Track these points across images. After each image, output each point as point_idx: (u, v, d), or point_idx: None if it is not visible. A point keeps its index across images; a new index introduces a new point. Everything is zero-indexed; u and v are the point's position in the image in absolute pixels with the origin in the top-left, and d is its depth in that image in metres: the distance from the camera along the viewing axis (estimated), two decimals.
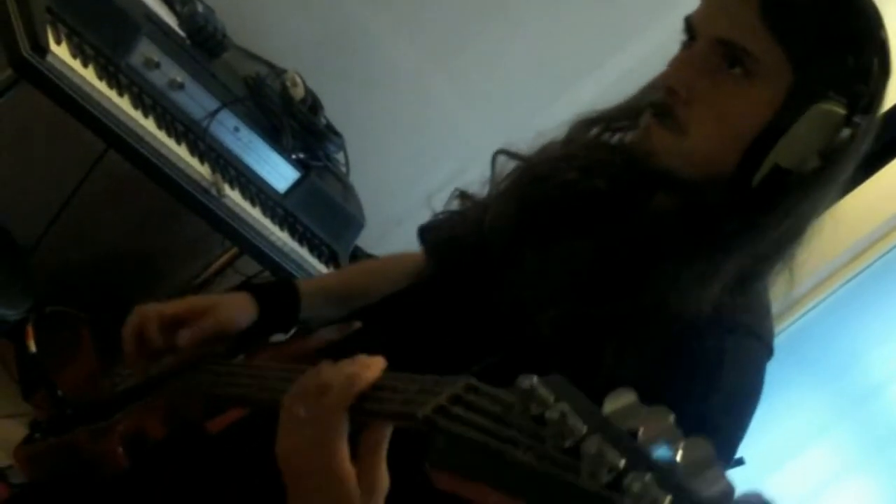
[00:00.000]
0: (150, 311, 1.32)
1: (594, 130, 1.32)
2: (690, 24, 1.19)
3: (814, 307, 3.08)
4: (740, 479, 1.12)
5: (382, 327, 1.32)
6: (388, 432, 0.89)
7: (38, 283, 2.42)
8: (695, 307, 1.09)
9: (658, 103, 1.18)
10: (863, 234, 3.05)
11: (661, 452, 0.62)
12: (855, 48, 1.11)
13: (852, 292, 3.11)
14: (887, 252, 3.10)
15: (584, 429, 0.63)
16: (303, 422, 0.89)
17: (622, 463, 0.60)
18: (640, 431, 0.63)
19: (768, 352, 1.19)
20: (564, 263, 1.18)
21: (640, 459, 0.61)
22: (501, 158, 1.39)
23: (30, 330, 1.46)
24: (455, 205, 1.46)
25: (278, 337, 1.44)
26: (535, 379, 0.68)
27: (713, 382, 1.10)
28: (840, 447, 3.14)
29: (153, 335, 1.30)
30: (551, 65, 2.97)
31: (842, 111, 1.10)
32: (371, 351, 0.95)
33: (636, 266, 1.13)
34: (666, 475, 0.60)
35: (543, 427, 0.65)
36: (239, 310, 1.36)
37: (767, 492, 0.65)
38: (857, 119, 1.11)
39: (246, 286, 1.40)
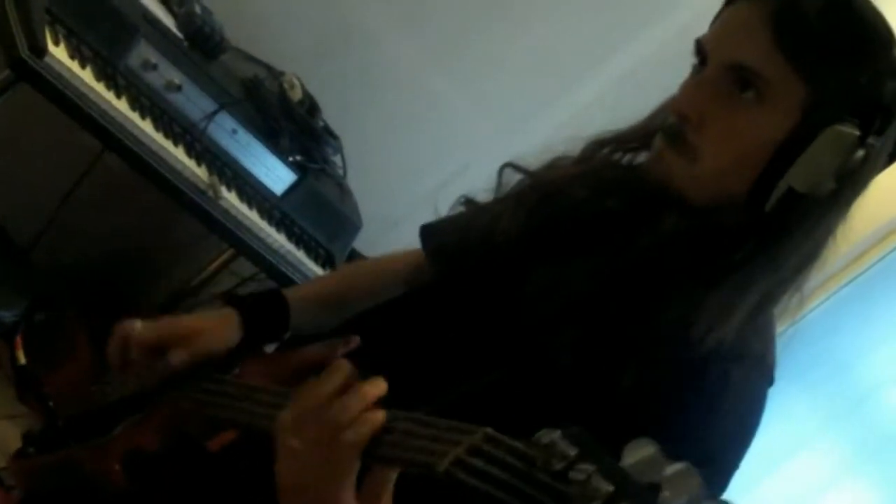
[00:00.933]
0: (133, 335, 1.29)
1: (605, 150, 1.31)
2: (701, 48, 1.18)
3: (810, 311, 3.09)
4: (734, 483, 1.13)
5: (383, 340, 1.31)
6: (395, 475, 0.90)
7: (35, 283, 2.42)
8: (716, 336, 1.08)
9: (669, 128, 1.17)
10: (859, 238, 3.06)
11: None
12: (869, 70, 1.10)
13: (848, 297, 3.12)
14: (884, 257, 3.10)
15: (610, 490, 0.63)
16: (305, 456, 0.90)
17: None
18: (664, 491, 0.62)
19: (770, 380, 1.19)
20: (578, 281, 1.17)
21: None
22: (507, 171, 1.39)
23: (18, 341, 1.45)
24: (460, 211, 1.45)
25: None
26: (557, 433, 0.68)
27: (715, 410, 1.11)
28: (834, 451, 3.15)
29: (136, 358, 1.29)
30: (551, 66, 2.96)
31: (856, 132, 1.09)
32: (371, 367, 0.95)
33: (653, 287, 1.13)
34: None
35: (567, 485, 0.64)
36: (225, 335, 1.33)
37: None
38: (871, 140, 1.10)
39: (232, 300, 1.38)
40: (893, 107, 1.11)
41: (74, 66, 2.06)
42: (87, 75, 2.09)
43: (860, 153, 1.10)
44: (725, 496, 1.10)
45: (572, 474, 0.64)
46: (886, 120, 1.11)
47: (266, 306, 1.41)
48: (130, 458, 1.23)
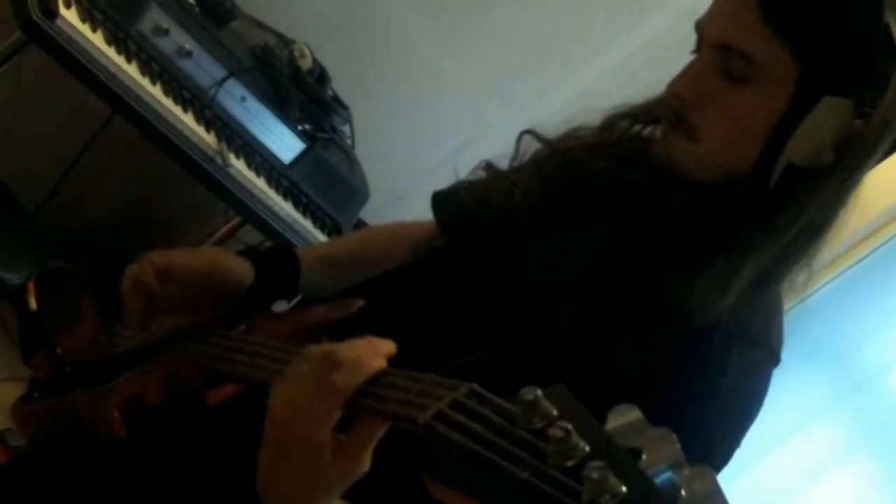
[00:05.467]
0: (147, 260, 1.29)
1: (625, 122, 1.33)
2: (698, 28, 1.19)
3: (818, 289, 3.08)
4: (738, 461, 1.13)
5: (388, 304, 1.31)
6: (383, 429, 0.89)
7: (42, 247, 2.42)
8: (713, 310, 1.09)
9: (670, 110, 1.18)
10: (869, 218, 3.05)
11: (664, 478, 0.61)
12: (859, 37, 1.08)
13: (855, 277, 3.11)
14: (891, 238, 3.09)
15: (587, 449, 0.62)
16: (303, 381, 0.89)
17: (624, 489, 0.58)
18: (644, 455, 0.62)
19: (774, 360, 1.19)
20: (587, 250, 1.18)
21: (643, 487, 0.60)
22: (526, 138, 1.39)
23: (31, 287, 1.45)
24: (478, 176, 1.45)
25: (281, 306, 1.43)
26: (538, 391, 0.67)
27: (712, 389, 1.10)
28: (838, 431, 3.15)
29: (150, 280, 1.28)
30: (560, 42, 2.95)
31: (850, 102, 1.09)
32: (375, 331, 0.94)
33: (656, 261, 1.13)
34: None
35: (545, 443, 0.63)
36: (238, 272, 1.34)
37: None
38: (867, 109, 1.09)
39: (246, 252, 1.39)
40: (888, 72, 1.10)
41: (85, 29, 2.06)
42: (97, 39, 2.09)
43: (858, 122, 1.10)
44: (725, 471, 1.11)
45: (551, 431, 0.63)
46: (881, 87, 1.10)
47: (278, 261, 1.41)
48: (130, 406, 1.23)
